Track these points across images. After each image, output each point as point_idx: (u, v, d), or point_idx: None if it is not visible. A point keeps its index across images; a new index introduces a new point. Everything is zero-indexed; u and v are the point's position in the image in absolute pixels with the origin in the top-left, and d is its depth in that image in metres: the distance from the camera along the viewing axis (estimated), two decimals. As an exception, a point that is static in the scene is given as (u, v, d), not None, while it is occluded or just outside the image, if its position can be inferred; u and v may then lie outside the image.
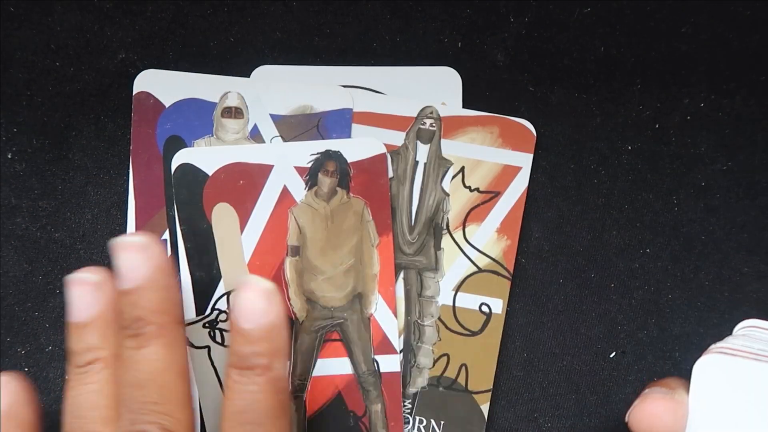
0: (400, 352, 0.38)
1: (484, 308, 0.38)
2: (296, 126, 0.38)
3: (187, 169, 0.37)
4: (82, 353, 0.31)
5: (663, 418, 0.28)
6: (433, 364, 0.38)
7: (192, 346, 0.37)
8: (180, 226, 0.37)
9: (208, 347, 0.37)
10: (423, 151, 0.38)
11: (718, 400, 0.27)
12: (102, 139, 0.38)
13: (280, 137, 0.38)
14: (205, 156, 0.37)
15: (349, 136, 0.38)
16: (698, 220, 0.39)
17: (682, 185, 0.39)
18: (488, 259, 0.38)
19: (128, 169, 0.38)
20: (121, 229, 0.38)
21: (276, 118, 0.38)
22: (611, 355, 0.39)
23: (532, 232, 0.39)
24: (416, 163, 0.38)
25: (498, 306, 0.38)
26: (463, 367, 0.38)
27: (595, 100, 0.39)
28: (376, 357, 0.38)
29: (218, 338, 0.37)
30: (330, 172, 0.37)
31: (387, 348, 0.38)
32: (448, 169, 0.38)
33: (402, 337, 0.38)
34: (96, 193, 0.38)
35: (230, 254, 0.37)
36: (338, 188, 0.37)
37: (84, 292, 0.31)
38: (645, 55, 0.38)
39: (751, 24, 0.38)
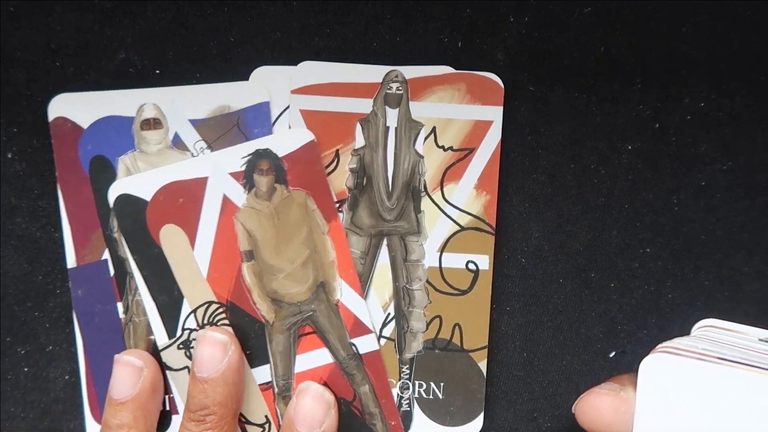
0: (383, 326, 0.38)
1: (471, 266, 0.38)
2: (216, 127, 0.38)
3: (125, 199, 0.37)
4: (114, 428, 0.35)
5: (605, 413, 0.29)
6: (427, 327, 0.38)
7: (171, 369, 0.37)
8: (132, 255, 0.37)
9: (187, 367, 0.37)
10: (392, 116, 0.38)
11: (660, 398, 0.27)
12: (102, 139, 0.38)
13: (202, 141, 0.38)
14: (140, 182, 0.37)
15: (270, 131, 0.38)
16: (698, 220, 0.39)
17: (682, 185, 0.39)
18: (469, 217, 0.38)
19: (57, 195, 0.38)
20: (63, 258, 0.38)
21: (195, 123, 0.38)
22: (611, 355, 0.39)
23: (532, 232, 0.39)
24: (387, 128, 0.38)
25: (484, 262, 0.38)
26: (457, 327, 0.38)
27: (595, 99, 0.39)
28: (353, 340, 0.38)
29: None
30: (264, 171, 0.37)
31: (361, 329, 0.38)
32: (420, 130, 0.38)
33: (393, 303, 0.38)
34: (96, 193, 0.38)
35: (187, 273, 0.37)
36: (276, 185, 0.37)
37: (127, 373, 0.35)
38: (645, 55, 0.38)
39: (751, 24, 0.38)
